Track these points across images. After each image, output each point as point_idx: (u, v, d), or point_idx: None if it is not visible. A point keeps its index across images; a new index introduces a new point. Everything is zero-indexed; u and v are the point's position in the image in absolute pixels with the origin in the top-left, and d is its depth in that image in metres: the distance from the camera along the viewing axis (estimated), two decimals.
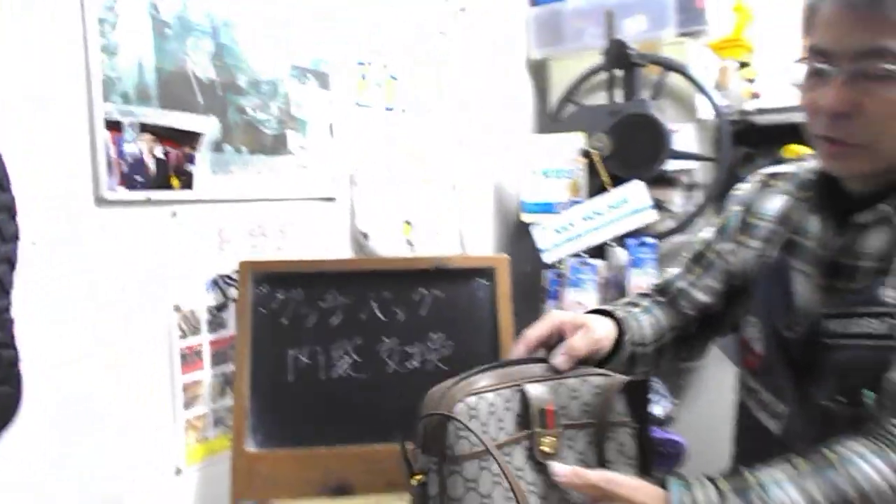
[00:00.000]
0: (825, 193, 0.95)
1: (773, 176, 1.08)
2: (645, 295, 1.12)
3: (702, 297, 1.09)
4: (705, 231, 1.15)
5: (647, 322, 1.04)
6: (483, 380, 0.78)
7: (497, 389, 0.77)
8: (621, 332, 0.98)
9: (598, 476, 0.75)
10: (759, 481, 0.75)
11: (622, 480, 0.76)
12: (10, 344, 0.92)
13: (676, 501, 0.73)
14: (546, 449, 0.79)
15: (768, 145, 2.22)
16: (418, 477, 0.75)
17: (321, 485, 1.13)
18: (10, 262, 0.92)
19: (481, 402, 0.76)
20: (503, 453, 0.75)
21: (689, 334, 1.09)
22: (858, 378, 0.84)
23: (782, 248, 0.98)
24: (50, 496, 1.00)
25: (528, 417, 0.78)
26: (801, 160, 1.04)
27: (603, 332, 0.94)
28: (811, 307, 0.92)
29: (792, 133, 1.93)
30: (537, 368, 0.83)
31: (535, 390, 0.79)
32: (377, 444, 1.15)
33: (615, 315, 0.99)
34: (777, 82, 2.23)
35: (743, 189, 1.11)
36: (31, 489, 0.98)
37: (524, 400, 0.79)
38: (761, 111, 2.15)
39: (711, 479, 0.76)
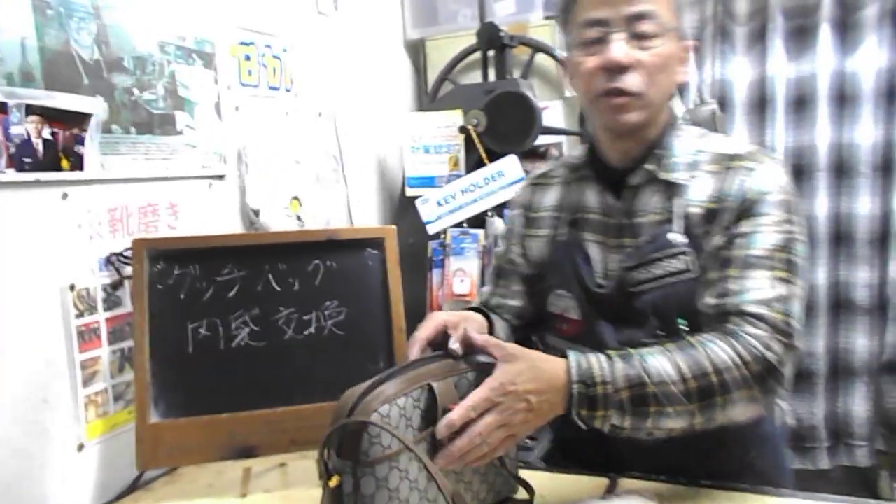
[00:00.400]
0: (598, 167, 1.13)
1: (542, 175, 1.27)
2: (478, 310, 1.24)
3: (515, 303, 1.26)
4: (499, 246, 1.32)
5: (501, 325, 1.20)
6: (393, 386, 0.87)
7: (408, 393, 0.87)
8: (491, 329, 1.14)
9: (486, 391, 0.87)
10: (638, 353, 0.93)
11: (507, 376, 0.88)
12: None
13: (574, 361, 0.90)
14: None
15: None
16: (335, 479, 0.84)
17: (226, 448, 1.19)
18: None
19: (393, 409, 0.85)
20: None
21: (522, 337, 1.23)
22: (671, 311, 1.04)
23: (569, 225, 1.16)
24: None
25: (435, 414, 0.88)
26: (563, 157, 1.20)
27: (482, 321, 1.11)
28: (611, 267, 1.10)
29: None
30: (437, 366, 0.92)
31: (440, 388, 0.89)
32: (278, 407, 1.22)
33: (486, 313, 1.15)
34: None
35: (517, 194, 1.29)
36: None
37: (432, 397, 0.89)
38: None
39: (601, 351, 0.94)
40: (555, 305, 1.16)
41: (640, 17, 1.00)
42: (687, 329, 1.02)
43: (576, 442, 1.13)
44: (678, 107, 2.38)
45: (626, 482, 1.08)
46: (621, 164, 1.10)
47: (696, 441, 1.03)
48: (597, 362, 0.91)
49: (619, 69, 1.00)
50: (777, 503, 1.02)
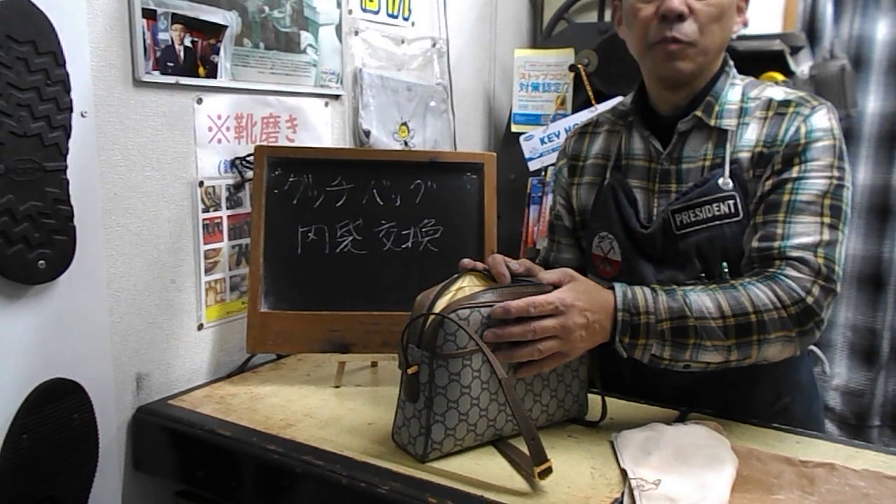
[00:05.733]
0: (646, 114, 1.15)
1: (588, 125, 1.29)
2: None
3: (569, 256, 1.30)
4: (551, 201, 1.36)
5: None
6: (485, 295, 0.95)
7: (487, 305, 0.94)
8: None
9: (552, 297, 0.93)
10: (682, 288, 0.98)
11: (571, 294, 0.94)
12: (66, 201, 1.08)
13: (620, 292, 0.96)
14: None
15: (747, 72, 2.35)
16: (413, 368, 0.93)
17: (325, 342, 1.31)
18: (66, 130, 1.07)
19: (473, 314, 0.93)
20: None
21: None
22: (715, 253, 1.07)
23: (615, 171, 1.19)
24: (94, 339, 1.17)
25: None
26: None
27: None
28: (656, 210, 1.12)
29: (769, 60, 2.07)
30: (511, 290, 0.97)
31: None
32: (374, 310, 1.32)
33: None
34: (763, 10, 2.34)
35: (564, 145, 1.32)
36: (77, 333, 1.15)
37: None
38: (742, 38, 2.26)
39: (642, 276, 1.00)
40: (598, 247, 1.20)
41: None
42: (728, 273, 1.05)
43: (615, 381, 1.19)
44: (805, 61, 2.27)
45: (694, 416, 1.12)
46: (669, 111, 1.12)
47: (729, 379, 1.10)
48: (641, 293, 0.96)
49: (675, 17, 1.02)
50: (852, 452, 1.03)
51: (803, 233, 0.99)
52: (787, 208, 1.01)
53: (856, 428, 2.66)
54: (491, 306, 0.94)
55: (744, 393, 1.14)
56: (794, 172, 1.02)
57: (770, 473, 0.94)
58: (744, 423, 1.10)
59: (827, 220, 1.00)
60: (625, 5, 1.11)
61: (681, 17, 1.02)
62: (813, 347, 1.39)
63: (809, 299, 0.96)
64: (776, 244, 1.00)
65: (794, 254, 0.98)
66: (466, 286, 0.98)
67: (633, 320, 0.95)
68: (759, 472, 0.94)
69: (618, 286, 0.97)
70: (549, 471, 0.89)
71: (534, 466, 0.89)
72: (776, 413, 1.16)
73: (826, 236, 0.99)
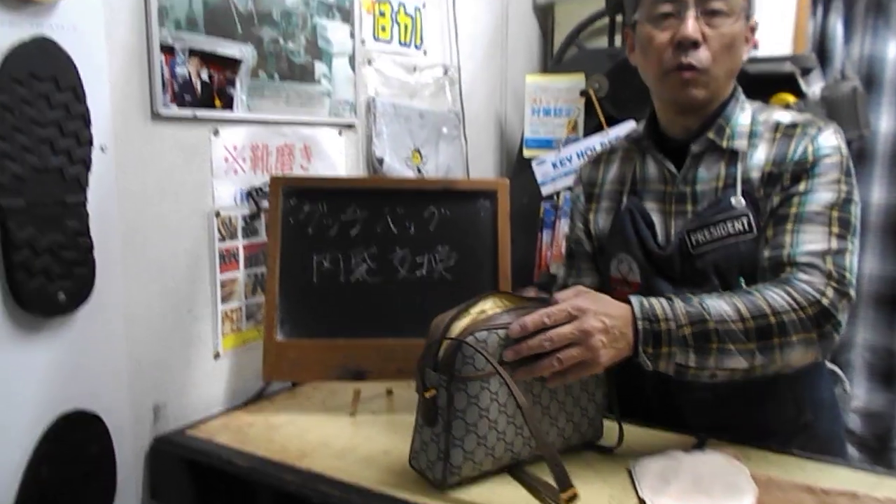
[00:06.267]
0: (658, 139, 1.17)
1: (603, 152, 1.31)
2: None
3: (588, 280, 1.30)
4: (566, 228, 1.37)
5: None
6: (502, 318, 0.95)
7: (503, 326, 0.94)
8: None
9: (564, 304, 0.94)
10: (697, 296, 0.99)
11: (584, 300, 0.95)
12: (86, 233, 1.10)
13: (636, 302, 0.97)
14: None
15: (758, 94, 2.35)
16: (431, 391, 0.93)
17: (340, 370, 1.32)
18: (86, 164, 1.09)
19: (491, 336, 0.93)
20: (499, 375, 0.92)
21: None
22: (732, 270, 1.08)
23: (631, 195, 1.20)
24: (112, 370, 1.18)
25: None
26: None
27: None
28: (673, 231, 1.13)
29: (780, 82, 2.07)
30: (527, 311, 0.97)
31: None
32: (389, 337, 1.32)
33: None
34: (773, 33, 2.35)
35: (579, 172, 1.33)
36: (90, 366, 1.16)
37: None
38: (753, 60, 2.27)
39: (661, 295, 0.99)
40: (616, 270, 1.20)
41: None
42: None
43: (637, 399, 1.19)
44: (816, 82, 2.27)
45: (713, 443, 1.11)
46: (680, 135, 1.15)
47: (752, 397, 1.10)
48: (657, 302, 0.97)
49: (690, 44, 1.05)
50: (875, 480, 1.01)
51: (811, 241, 1.01)
52: (794, 219, 1.03)
53: (876, 451, 2.62)
54: (508, 326, 0.94)
55: (767, 411, 1.15)
56: (802, 187, 1.05)
57: (791, 503, 0.93)
58: (763, 449, 1.09)
59: (835, 230, 1.02)
60: (638, 32, 1.13)
61: (695, 45, 1.05)
62: (832, 366, 1.38)
63: (825, 301, 0.96)
64: (785, 252, 1.02)
65: (804, 259, 1.00)
66: (488, 308, 0.98)
67: (653, 328, 0.95)
68: (779, 501, 0.93)
69: (633, 297, 0.97)
70: (574, 497, 0.89)
71: (560, 494, 0.88)
72: (799, 429, 1.16)
73: (835, 245, 1.01)
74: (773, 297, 0.97)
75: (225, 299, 1.38)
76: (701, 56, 1.05)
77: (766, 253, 1.05)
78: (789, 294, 0.97)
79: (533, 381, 0.98)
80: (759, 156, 1.09)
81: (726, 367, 0.96)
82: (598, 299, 0.96)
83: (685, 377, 0.98)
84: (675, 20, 1.06)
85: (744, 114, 1.13)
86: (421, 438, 0.98)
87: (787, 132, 1.09)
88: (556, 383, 0.98)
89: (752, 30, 1.13)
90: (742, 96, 1.16)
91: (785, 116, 1.11)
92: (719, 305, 0.96)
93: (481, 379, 0.92)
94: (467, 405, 0.92)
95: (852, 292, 0.99)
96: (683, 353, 0.95)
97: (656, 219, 1.16)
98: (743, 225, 1.08)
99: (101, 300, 1.13)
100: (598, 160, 1.30)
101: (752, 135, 1.11)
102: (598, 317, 0.93)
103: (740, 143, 1.10)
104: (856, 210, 1.04)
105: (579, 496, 0.89)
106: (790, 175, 1.06)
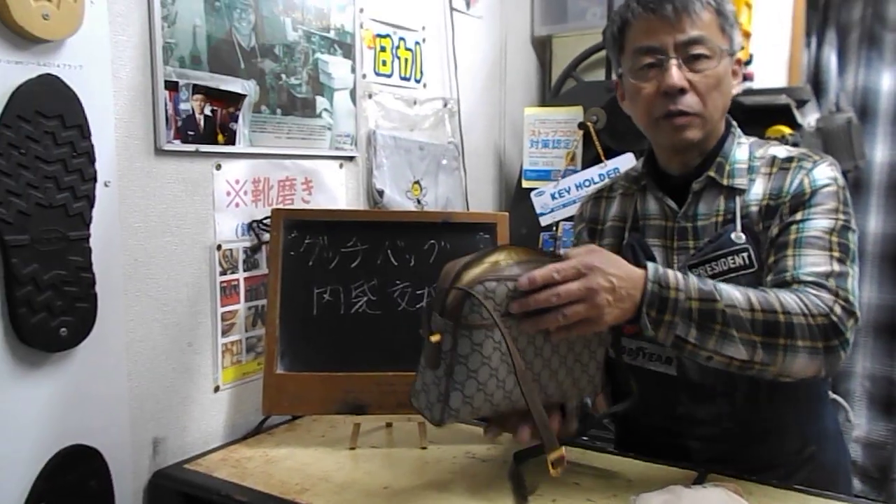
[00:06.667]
0: (657, 177, 1.19)
1: (603, 190, 1.32)
2: None
3: None
4: None
5: None
6: (512, 269, 0.94)
7: (513, 278, 0.93)
8: None
9: (575, 261, 0.93)
10: (712, 280, 0.99)
11: (595, 258, 0.95)
12: (88, 269, 1.10)
13: (651, 266, 0.96)
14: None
15: (754, 126, 2.38)
16: (436, 336, 0.94)
17: (340, 403, 1.32)
18: (90, 199, 1.10)
19: (500, 287, 0.93)
20: (505, 323, 0.92)
21: None
22: None
23: (632, 231, 1.21)
24: (112, 405, 1.18)
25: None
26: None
27: None
28: (674, 267, 1.14)
29: (776, 114, 2.10)
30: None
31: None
32: (389, 371, 1.32)
33: None
34: (768, 65, 2.38)
35: (581, 209, 1.35)
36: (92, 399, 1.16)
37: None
38: (748, 92, 2.30)
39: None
40: None
41: (691, 42, 1.07)
42: None
43: (643, 435, 1.19)
44: (811, 114, 2.30)
45: (714, 477, 1.10)
46: (679, 171, 1.16)
47: (756, 431, 1.11)
48: (672, 272, 0.97)
49: (676, 92, 1.06)
50: None
51: (814, 263, 1.01)
52: (794, 244, 1.04)
53: (879, 481, 2.60)
54: (517, 278, 0.93)
55: (772, 443, 1.15)
56: (800, 216, 1.06)
57: None
58: (764, 484, 1.09)
59: (836, 254, 1.02)
60: (626, 84, 1.15)
61: (682, 91, 1.07)
62: (835, 396, 1.38)
63: (833, 316, 0.96)
64: (789, 274, 1.02)
65: (809, 279, 1.00)
66: (502, 259, 0.97)
67: (662, 293, 0.94)
68: None
69: (650, 265, 0.97)
70: (561, 460, 0.91)
71: (547, 456, 0.90)
72: (804, 461, 1.16)
73: (836, 268, 1.01)
74: (786, 298, 0.96)
75: (225, 332, 1.38)
76: (689, 101, 1.07)
77: (770, 278, 1.05)
78: (801, 300, 0.96)
79: (537, 333, 0.97)
80: (757, 190, 1.11)
81: (725, 354, 0.96)
82: (608, 258, 0.96)
83: (683, 352, 0.98)
84: (658, 70, 1.08)
85: (740, 149, 1.14)
86: (423, 380, 0.98)
87: (783, 166, 1.11)
88: (560, 337, 0.97)
89: (740, 63, 1.15)
90: (738, 131, 1.17)
91: (781, 151, 1.13)
92: (732, 291, 0.96)
93: (486, 328, 0.93)
94: (470, 352, 0.93)
95: (858, 313, 0.99)
96: (685, 326, 0.95)
97: (658, 253, 1.17)
98: (744, 260, 1.08)
99: (103, 334, 1.13)
100: (599, 198, 1.31)
101: (750, 170, 1.12)
102: (606, 276, 0.92)
103: (740, 181, 1.12)
104: (854, 237, 1.05)
105: (566, 459, 0.91)
106: (788, 206, 1.07)
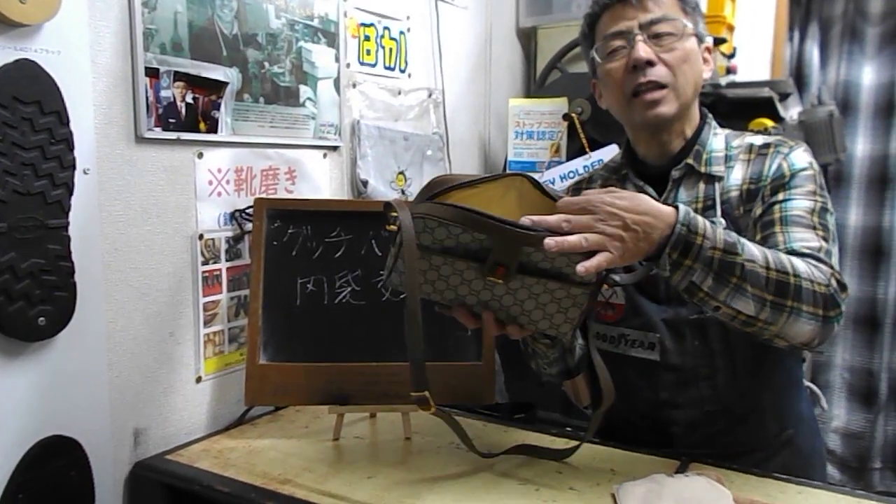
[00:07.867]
0: (637, 166, 1.21)
1: (583, 181, 1.34)
2: None
3: None
4: None
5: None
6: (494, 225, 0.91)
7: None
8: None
9: (589, 196, 0.93)
10: (736, 234, 0.99)
11: (618, 194, 0.94)
12: (67, 257, 1.09)
13: (683, 208, 0.95)
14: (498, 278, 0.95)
15: (737, 118, 2.40)
16: (392, 227, 0.95)
17: (324, 394, 1.31)
18: (69, 187, 1.08)
19: (464, 236, 0.91)
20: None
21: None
22: None
23: None
24: (92, 395, 1.17)
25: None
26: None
27: None
28: None
29: (759, 107, 2.11)
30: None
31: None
32: (373, 361, 1.32)
33: None
34: (751, 58, 2.39)
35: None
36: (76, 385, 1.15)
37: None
38: (732, 85, 2.31)
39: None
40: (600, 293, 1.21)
41: (655, 21, 1.11)
42: None
43: (625, 421, 1.20)
44: (793, 107, 2.32)
45: (696, 465, 1.11)
46: (659, 160, 1.18)
47: (737, 413, 1.13)
48: (702, 219, 0.96)
49: (644, 64, 1.09)
50: (854, 502, 1.03)
51: (803, 239, 1.04)
52: (781, 222, 1.06)
53: (857, 470, 2.65)
54: (493, 229, 0.90)
55: (751, 426, 1.17)
56: (782, 196, 1.09)
57: None
58: (745, 472, 1.10)
59: (820, 233, 1.05)
60: (599, 74, 1.18)
61: (650, 63, 1.09)
62: (809, 384, 1.40)
63: (831, 288, 0.98)
64: (782, 247, 1.03)
65: (805, 251, 1.02)
66: (497, 198, 0.96)
67: (689, 237, 0.93)
68: None
69: (681, 206, 0.95)
70: (424, 400, 0.94)
71: (412, 392, 0.94)
72: (782, 445, 1.19)
73: (824, 245, 1.04)
74: (796, 261, 0.98)
75: (207, 322, 1.37)
76: (659, 72, 1.10)
77: None
78: (809, 266, 0.98)
79: (514, 276, 0.94)
80: (737, 175, 1.13)
81: (734, 307, 0.95)
82: (624, 196, 0.94)
83: (693, 298, 0.97)
84: (626, 49, 1.11)
85: (717, 139, 1.17)
86: (392, 258, 0.99)
87: (761, 151, 1.14)
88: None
89: (710, 50, 1.18)
90: (714, 122, 1.20)
91: (757, 139, 1.16)
92: (751, 247, 0.97)
93: (429, 251, 0.94)
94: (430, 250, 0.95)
95: (847, 289, 1.01)
96: (703, 274, 0.94)
97: None
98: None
99: (82, 324, 1.12)
100: (579, 189, 1.31)
101: (728, 158, 1.15)
102: (619, 216, 0.91)
103: (718, 168, 1.14)
104: (832, 220, 1.08)
105: (431, 402, 0.95)
106: (769, 189, 1.10)
